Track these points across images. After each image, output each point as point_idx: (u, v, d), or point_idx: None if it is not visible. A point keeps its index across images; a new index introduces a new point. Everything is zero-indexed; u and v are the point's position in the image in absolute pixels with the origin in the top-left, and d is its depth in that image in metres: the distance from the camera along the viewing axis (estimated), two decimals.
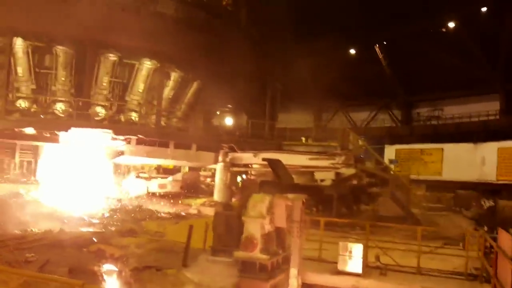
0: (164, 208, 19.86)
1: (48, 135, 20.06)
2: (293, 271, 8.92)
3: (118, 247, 11.71)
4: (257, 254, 9.25)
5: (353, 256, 9.69)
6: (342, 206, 18.09)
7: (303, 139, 30.42)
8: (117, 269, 10.02)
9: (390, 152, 38.62)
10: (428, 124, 38.08)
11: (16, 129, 19.88)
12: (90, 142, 19.89)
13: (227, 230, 10.19)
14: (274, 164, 15.78)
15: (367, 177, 17.73)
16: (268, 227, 9.51)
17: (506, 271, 7.33)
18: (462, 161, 31.81)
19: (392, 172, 20.02)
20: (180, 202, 21.57)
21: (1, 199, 16.41)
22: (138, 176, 23.81)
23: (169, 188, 23.60)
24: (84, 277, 8.81)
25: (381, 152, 39.77)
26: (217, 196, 21.37)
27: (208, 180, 24.80)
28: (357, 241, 10.94)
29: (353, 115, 43.67)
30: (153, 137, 21.05)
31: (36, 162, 22.72)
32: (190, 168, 27.31)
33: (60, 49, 21.14)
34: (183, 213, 19.28)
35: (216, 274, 9.35)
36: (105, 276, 9.31)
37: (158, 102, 22.90)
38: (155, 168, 26.24)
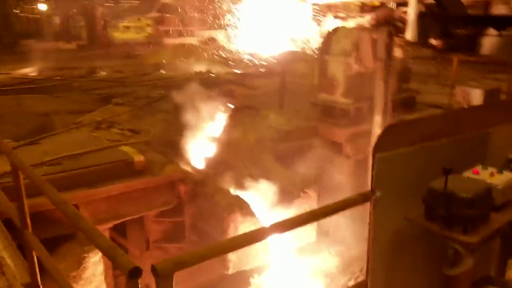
0: None
1: None
2: (377, 119, 7.48)
3: (249, 88, 12.02)
4: (338, 97, 8.10)
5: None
6: None
7: None
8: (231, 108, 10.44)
9: None
10: None
11: None
12: None
13: None
14: None
15: None
16: (356, 67, 8.03)
17: None
18: None
19: None
20: None
21: (191, 44, 18.40)
22: (336, 16, 22.56)
23: None
24: None
25: None
26: (408, 33, 18.40)
27: None
28: None
29: None
30: None
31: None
32: (398, 4, 23.98)
33: None
34: None
35: (300, 117, 8.72)
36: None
37: None
38: (359, 6, 24.11)
